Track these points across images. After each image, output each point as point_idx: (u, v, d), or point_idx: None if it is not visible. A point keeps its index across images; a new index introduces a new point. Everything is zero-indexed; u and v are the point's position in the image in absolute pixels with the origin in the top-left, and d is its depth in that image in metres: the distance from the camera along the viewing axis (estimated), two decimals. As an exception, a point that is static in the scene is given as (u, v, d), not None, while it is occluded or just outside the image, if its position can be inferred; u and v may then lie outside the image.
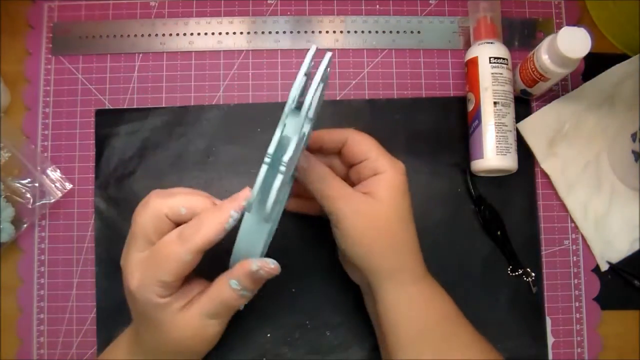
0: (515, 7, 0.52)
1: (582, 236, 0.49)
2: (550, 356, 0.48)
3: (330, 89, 0.51)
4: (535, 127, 0.49)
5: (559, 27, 0.51)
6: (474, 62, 0.47)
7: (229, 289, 0.34)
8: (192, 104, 0.50)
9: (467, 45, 0.50)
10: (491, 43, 0.47)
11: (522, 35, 0.52)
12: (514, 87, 0.48)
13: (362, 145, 0.38)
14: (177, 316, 0.33)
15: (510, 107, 0.47)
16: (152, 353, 0.36)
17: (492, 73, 0.46)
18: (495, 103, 0.46)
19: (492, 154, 0.46)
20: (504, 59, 0.47)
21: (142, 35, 0.51)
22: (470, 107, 0.48)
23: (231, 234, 0.33)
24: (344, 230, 0.36)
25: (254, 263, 0.33)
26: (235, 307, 0.35)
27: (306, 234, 0.47)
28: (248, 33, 0.51)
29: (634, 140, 0.47)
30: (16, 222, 0.47)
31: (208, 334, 0.35)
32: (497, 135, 0.46)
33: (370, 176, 0.38)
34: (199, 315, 0.34)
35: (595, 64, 0.50)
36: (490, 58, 0.46)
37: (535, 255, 0.49)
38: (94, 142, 0.49)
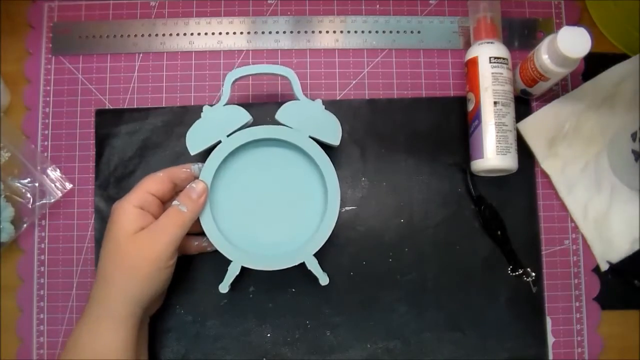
0: (515, 7, 0.52)
1: (582, 236, 0.49)
2: (550, 356, 0.48)
3: (330, 89, 0.51)
4: (535, 127, 0.49)
5: (559, 27, 0.51)
6: (474, 62, 0.47)
7: (172, 208, 0.41)
8: (192, 104, 0.50)
9: (467, 45, 0.50)
10: (491, 43, 0.47)
11: (522, 35, 0.52)
12: (514, 87, 0.48)
13: None
14: (137, 235, 0.39)
15: (510, 107, 0.47)
16: (111, 281, 0.39)
17: (492, 73, 0.46)
18: (495, 103, 0.46)
19: (492, 154, 0.46)
20: (504, 58, 0.47)
21: (142, 35, 0.51)
22: (470, 107, 0.48)
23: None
24: None
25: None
26: (178, 222, 0.40)
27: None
28: (248, 33, 0.51)
29: (634, 140, 0.47)
30: (16, 222, 0.47)
31: (157, 251, 0.39)
32: (497, 135, 0.46)
33: None
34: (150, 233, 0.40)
35: (595, 64, 0.50)
36: (490, 58, 0.46)
37: (536, 255, 0.49)
38: (94, 142, 0.49)
